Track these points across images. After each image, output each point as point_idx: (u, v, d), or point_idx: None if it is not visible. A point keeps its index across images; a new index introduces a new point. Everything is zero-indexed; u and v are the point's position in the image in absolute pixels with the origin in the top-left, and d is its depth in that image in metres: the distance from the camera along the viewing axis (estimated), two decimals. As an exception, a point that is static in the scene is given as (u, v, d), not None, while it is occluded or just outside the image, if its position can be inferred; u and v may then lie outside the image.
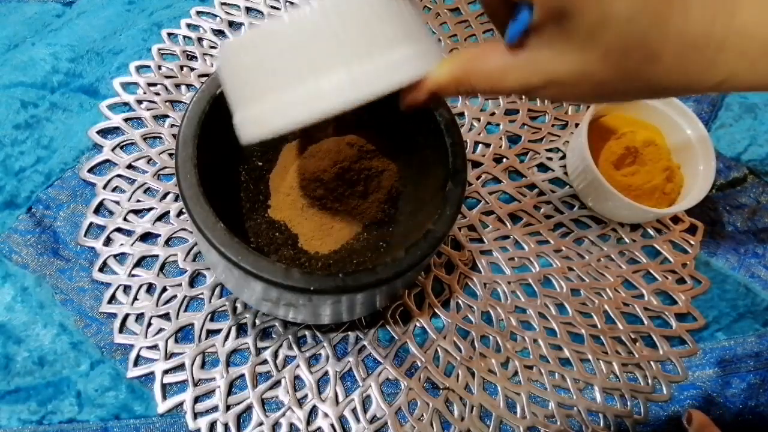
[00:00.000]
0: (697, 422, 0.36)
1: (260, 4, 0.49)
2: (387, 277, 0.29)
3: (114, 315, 0.37)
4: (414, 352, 0.38)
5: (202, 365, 0.37)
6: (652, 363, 0.40)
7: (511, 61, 0.23)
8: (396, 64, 0.23)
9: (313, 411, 0.36)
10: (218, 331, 0.37)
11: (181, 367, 0.36)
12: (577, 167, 0.43)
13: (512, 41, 0.23)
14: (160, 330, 0.37)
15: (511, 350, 0.39)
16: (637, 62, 0.21)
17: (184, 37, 0.47)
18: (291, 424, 0.36)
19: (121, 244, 0.39)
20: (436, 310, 0.39)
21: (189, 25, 0.47)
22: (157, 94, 0.44)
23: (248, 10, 0.49)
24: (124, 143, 0.42)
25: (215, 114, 0.32)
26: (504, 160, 0.46)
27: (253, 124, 0.24)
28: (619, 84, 0.22)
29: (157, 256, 0.39)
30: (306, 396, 0.36)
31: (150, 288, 0.38)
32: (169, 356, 0.36)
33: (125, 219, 0.40)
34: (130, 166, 0.41)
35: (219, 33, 0.48)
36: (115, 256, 0.39)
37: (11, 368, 0.35)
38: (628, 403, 0.38)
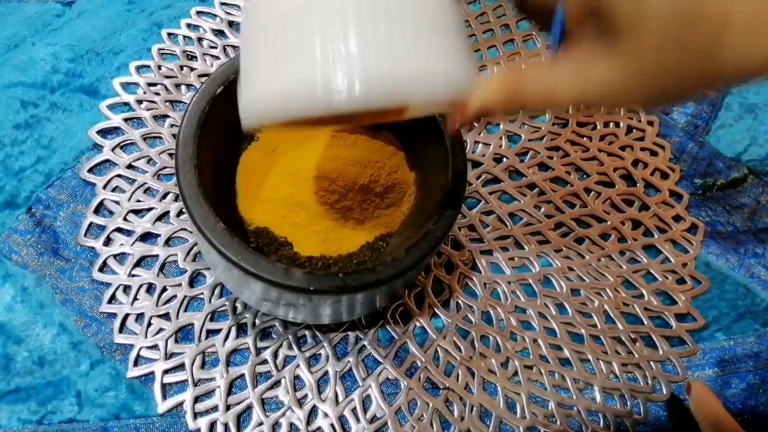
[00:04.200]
0: (696, 392, 0.36)
1: (260, 4, 0.49)
2: (387, 277, 0.29)
3: (114, 315, 0.37)
4: (414, 352, 0.38)
5: (202, 365, 0.37)
6: (651, 363, 0.40)
7: (562, 72, 0.21)
8: (430, 73, 0.21)
9: (313, 411, 0.36)
10: (218, 331, 0.37)
11: (181, 367, 0.36)
12: None
13: (554, 45, 0.21)
14: (160, 330, 0.37)
15: (511, 350, 0.39)
16: (698, 46, 0.18)
17: (184, 37, 0.47)
18: (291, 424, 0.36)
19: (121, 244, 0.39)
20: (436, 310, 0.39)
21: (189, 25, 0.47)
22: (157, 94, 0.44)
23: (248, 10, 0.49)
24: (124, 143, 0.42)
25: (215, 114, 0.32)
26: (504, 159, 0.46)
27: (249, 108, 0.22)
28: (682, 80, 0.19)
29: (157, 256, 0.39)
30: (306, 396, 0.36)
31: (150, 288, 0.38)
32: (169, 356, 0.36)
33: (125, 219, 0.40)
34: (130, 166, 0.41)
35: (219, 33, 0.48)
36: (115, 256, 0.39)
37: (11, 368, 0.35)
38: (628, 403, 0.38)
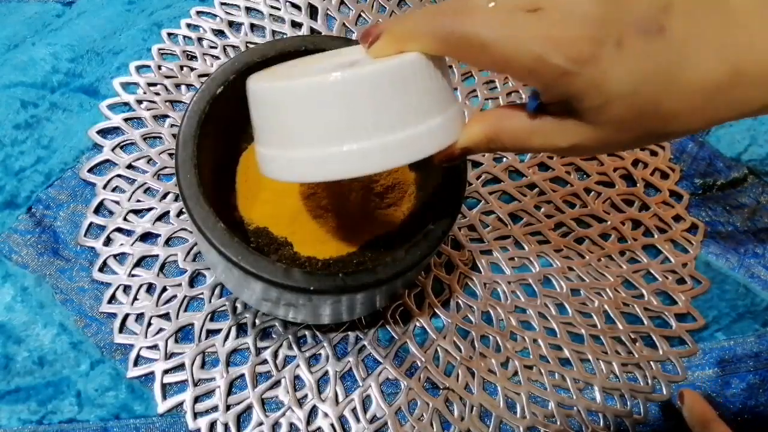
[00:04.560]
0: (689, 400, 0.36)
1: (260, 4, 0.49)
2: (387, 277, 0.29)
3: (114, 315, 0.37)
4: (414, 352, 0.38)
5: (202, 365, 0.37)
6: (651, 363, 0.40)
7: (536, 126, 0.24)
8: (428, 133, 0.24)
9: (313, 411, 0.36)
10: (218, 331, 0.37)
11: (181, 367, 0.36)
12: None
13: (531, 110, 0.24)
14: (160, 330, 0.37)
15: (511, 350, 0.39)
16: (657, 122, 0.21)
17: (184, 37, 0.47)
18: (291, 424, 0.36)
19: (121, 244, 0.39)
20: (436, 310, 0.39)
21: (189, 25, 0.47)
22: (157, 94, 0.44)
23: (248, 10, 0.49)
24: (124, 143, 0.42)
25: (215, 114, 0.32)
26: (504, 159, 0.46)
27: (278, 166, 0.25)
28: (644, 141, 0.23)
29: (157, 256, 0.39)
30: (306, 396, 0.36)
31: (150, 288, 0.38)
32: (169, 356, 0.36)
33: (125, 219, 0.40)
34: (130, 166, 0.41)
35: (219, 33, 0.48)
36: (115, 256, 0.39)
37: (11, 368, 0.35)
38: (628, 403, 0.38)
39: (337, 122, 0.23)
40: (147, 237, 0.40)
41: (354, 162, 0.23)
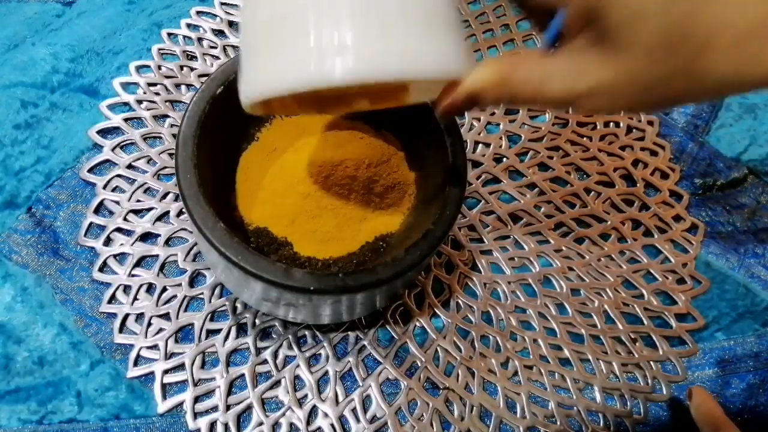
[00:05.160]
0: (698, 398, 0.36)
1: (260, 4, 0.49)
2: (387, 277, 0.29)
3: (114, 315, 0.37)
4: (414, 352, 0.38)
5: (202, 365, 0.37)
6: (651, 363, 0.40)
7: (554, 68, 0.22)
8: (423, 52, 0.21)
9: (313, 411, 0.36)
10: (218, 331, 0.37)
11: (181, 367, 0.36)
12: None
13: (548, 43, 0.22)
14: (160, 330, 0.37)
15: (511, 350, 0.39)
16: (686, 56, 0.19)
17: (184, 37, 0.47)
18: (291, 424, 0.36)
19: (121, 244, 0.39)
20: (436, 310, 0.39)
21: (189, 25, 0.47)
22: (157, 94, 0.44)
23: (248, 10, 0.49)
24: (124, 143, 0.42)
25: (215, 114, 0.32)
26: (504, 159, 0.46)
27: (246, 84, 0.23)
28: (669, 86, 0.20)
29: (157, 256, 0.39)
30: (306, 396, 0.36)
31: (150, 288, 0.38)
32: (169, 356, 0.36)
33: (125, 219, 0.40)
34: (130, 166, 0.41)
35: (219, 33, 0.48)
36: (115, 256, 0.39)
37: (11, 368, 0.35)
38: (628, 403, 0.38)
39: (317, 15, 0.21)
40: (147, 237, 0.40)
41: (327, 70, 0.20)
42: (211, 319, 0.38)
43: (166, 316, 0.37)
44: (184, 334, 0.37)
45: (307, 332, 0.38)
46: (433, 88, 0.27)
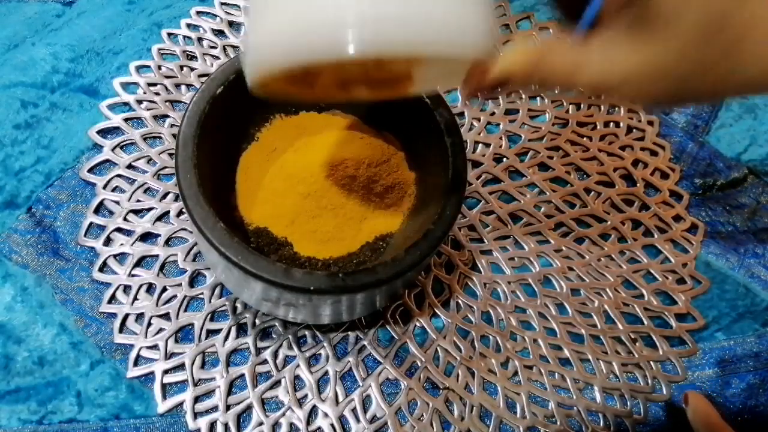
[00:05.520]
0: (694, 402, 0.36)
1: (260, 4, 0.49)
2: (387, 277, 0.29)
3: (114, 315, 0.37)
4: (414, 352, 0.38)
5: (202, 365, 0.37)
6: (651, 363, 0.40)
7: (587, 55, 0.21)
8: (449, 27, 0.20)
9: (313, 411, 0.36)
10: (218, 331, 0.37)
11: (181, 367, 0.36)
12: None
13: (583, 30, 0.21)
14: (160, 330, 0.37)
15: (511, 350, 0.39)
16: (720, 49, 0.19)
17: (184, 37, 0.47)
18: (291, 424, 0.36)
19: (121, 244, 0.39)
20: (436, 310, 0.39)
21: (189, 25, 0.47)
22: (157, 94, 0.44)
23: (248, 9, 0.49)
24: (124, 143, 0.42)
25: (215, 114, 0.32)
26: (504, 159, 0.46)
27: (256, 52, 0.21)
28: (701, 79, 0.20)
29: (157, 256, 0.39)
30: (306, 396, 0.36)
31: (150, 288, 0.38)
32: (169, 356, 0.36)
33: (125, 219, 0.40)
34: (130, 166, 0.41)
35: (219, 33, 0.48)
36: (115, 256, 0.39)
37: (11, 368, 0.35)
38: (628, 403, 0.38)
39: None
40: (147, 237, 0.40)
41: (336, 38, 0.19)
42: (211, 319, 0.38)
43: (166, 316, 0.37)
44: (184, 334, 0.37)
45: (307, 332, 0.38)
46: (437, 78, 0.26)
